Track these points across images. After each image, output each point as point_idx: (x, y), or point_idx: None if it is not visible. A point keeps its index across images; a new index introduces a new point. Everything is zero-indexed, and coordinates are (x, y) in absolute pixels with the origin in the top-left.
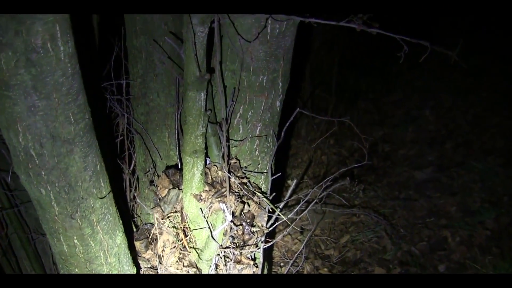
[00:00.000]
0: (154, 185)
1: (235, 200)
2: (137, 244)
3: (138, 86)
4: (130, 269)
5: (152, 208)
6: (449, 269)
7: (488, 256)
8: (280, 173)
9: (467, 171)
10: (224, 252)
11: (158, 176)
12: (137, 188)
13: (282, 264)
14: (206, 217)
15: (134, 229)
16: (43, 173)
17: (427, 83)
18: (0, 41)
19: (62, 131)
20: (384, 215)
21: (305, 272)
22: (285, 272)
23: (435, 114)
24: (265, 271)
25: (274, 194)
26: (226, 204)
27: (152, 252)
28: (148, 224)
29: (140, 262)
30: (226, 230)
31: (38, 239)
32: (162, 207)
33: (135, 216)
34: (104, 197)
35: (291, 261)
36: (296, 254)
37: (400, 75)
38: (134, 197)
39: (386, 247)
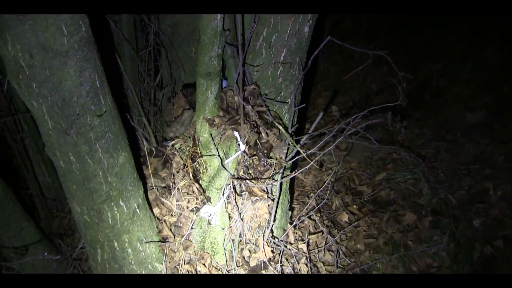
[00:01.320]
0: (171, 102)
1: (249, 129)
2: (155, 161)
3: None
4: (135, 189)
5: (168, 127)
6: (484, 224)
7: None
8: (304, 104)
9: None
10: (236, 182)
11: (176, 95)
12: (161, 102)
13: (312, 195)
14: (216, 144)
15: (155, 145)
16: (34, 85)
17: (495, 20)
18: None
19: (54, 42)
20: (426, 156)
21: (333, 207)
22: (310, 204)
23: (498, 53)
24: (285, 205)
25: (297, 125)
26: (239, 133)
27: (168, 171)
28: (169, 142)
29: (155, 179)
30: (240, 161)
31: None
32: (174, 128)
33: (159, 130)
34: (103, 114)
35: (318, 191)
36: (321, 187)
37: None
38: (160, 110)
39: (422, 191)
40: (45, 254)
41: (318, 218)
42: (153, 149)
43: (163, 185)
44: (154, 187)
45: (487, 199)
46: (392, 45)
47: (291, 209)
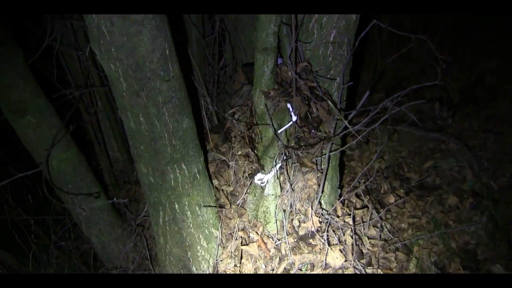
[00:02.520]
0: (232, 80)
1: (301, 101)
2: (215, 137)
3: None
4: (196, 155)
5: (228, 101)
6: None
7: None
8: (352, 82)
9: None
10: (288, 152)
11: (236, 72)
12: (224, 84)
13: (363, 180)
14: (271, 115)
15: (217, 122)
16: (112, 49)
17: None
18: None
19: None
20: (473, 146)
21: (381, 191)
22: (360, 186)
23: None
24: (335, 182)
25: (345, 101)
26: (292, 104)
27: (227, 146)
28: (229, 119)
29: (216, 154)
30: (292, 132)
31: None
32: (234, 100)
33: (220, 111)
34: (170, 80)
35: (371, 178)
36: (372, 174)
37: None
38: (221, 92)
39: (466, 177)
40: (114, 198)
41: (367, 199)
42: (215, 126)
43: (223, 158)
44: (214, 160)
45: None
46: (450, 44)
47: (341, 187)
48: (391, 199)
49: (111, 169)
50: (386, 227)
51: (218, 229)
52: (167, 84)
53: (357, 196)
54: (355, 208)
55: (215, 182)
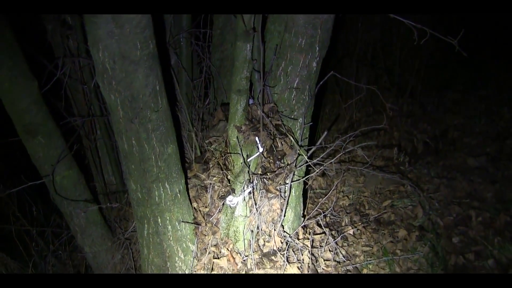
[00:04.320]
0: (212, 116)
1: (267, 135)
2: (197, 166)
3: (217, 36)
4: (178, 177)
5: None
6: (461, 241)
7: (498, 237)
8: (312, 122)
9: None
10: (256, 178)
11: (215, 110)
12: (208, 120)
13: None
14: (241, 146)
15: (199, 154)
16: (113, 82)
17: None
18: None
19: (130, 53)
20: (427, 189)
21: (342, 224)
22: (322, 217)
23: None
24: (298, 211)
25: (307, 138)
26: (259, 138)
27: (207, 175)
28: (207, 152)
29: (196, 180)
30: (259, 162)
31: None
32: (212, 133)
33: (204, 145)
34: (158, 111)
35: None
36: (334, 209)
37: (494, 74)
38: (206, 127)
39: (417, 215)
40: (108, 204)
41: (326, 228)
42: (198, 157)
43: (202, 185)
44: (195, 186)
45: (469, 223)
46: (420, 102)
47: (304, 216)
48: (350, 230)
49: (105, 190)
50: (342, 253)
51: (194, 244)
52: (156, 114)
53: (318, 224)
54: (314, 234)
55: (195, 204)
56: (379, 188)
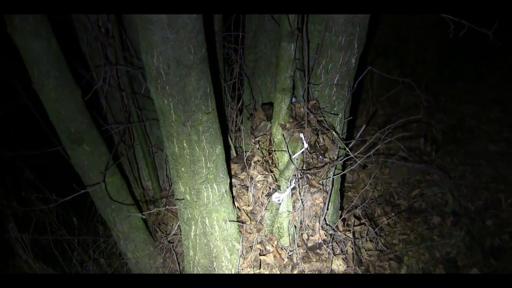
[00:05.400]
0: (252, 116)
1: (311, 131)
2: (235, 166)
3: (250, 38)
4: (225, 177)
5: (249, 135)
6: (495, 224)
7: None
8: (351, 117)
9: None
10: (300, 174)
11: (256, 110)
12: (242, 122)
13: (356, 208)
14: (287, 143)
15: (235, 155)
16: (167, 87)
17: None
18: None
19: (184, 58)
20: (453, 176)
21: (375, 215)
22: (357, 209)
23: None
24: (336, 204)
25: (346, 133)
26: (304, 134)
27: (246, 174)
28: (246, 152)
29: (235, 180)
30: (303, 157)
31: (156, 153)
32: (254, 133)
33: (238, 146)
34: (209, 113)
35: (363, 204)
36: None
37: (503, 62)
38: (239, 129)
39: (448, 202)
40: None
41: (364, 219)
42: (234, 158)
43: (242, 184)
44: (235, 185)
45: (499, 206)
46: (433, 93)
47: (341, 209)
48: (384, 220)
49: (143, 196)
50: (381, 242)
51: (239, 242)
52: (206, 116)
53: (355, 216)
54: (354, 225)
55: (236, 203)
56: (406, 179)
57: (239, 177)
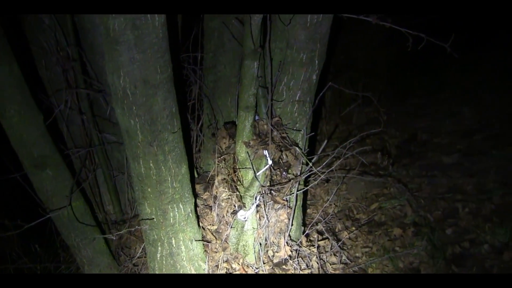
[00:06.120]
0: (215, 136)
1: (275, 148)
2: (198, 186)
3: (209, 59)
4: (190, 197)
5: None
6: (454, 232)
7: (488, 224)
8: (313, 133)
9: (487, 158)
10: (264, 191)
11: (218, 129)
12: (202, 143)
13: (318, 223)
14: (251, 160)
15: (196, 176)
16: (134, 107)
17: (474, 84)
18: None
19: (151, 78)
20: (410, 188)
21: (336, 230)
22: (321, 226)
23: (473, 111)
24: (299, 220)
25: (308, 149)
26: (268, 151)
27: (209, 193)
28: (208, 172)
29: (198, 200)
30: (267, 174)
31: (117, 177)
32: (218, 152)
33: (198, 167)
34: (175, 132)
35: (324, 220)
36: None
37: (451, 77)
38: (199, 150)
39: (407, 213)
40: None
41: (326, 234)
42: (196, 178)
43: (205, 204)
44: (198, 206)
45: (457, 215)
46: (386, 109)
47: (304, 224)
48: (346, 234)
49: (105, 220)
50: (344, 255)
51: (205, 262)
52: (172, 135)
53: (318, 232)
54: (318, 240)
55: (200, 223)
56: (364, 193)
57: (202, 197)
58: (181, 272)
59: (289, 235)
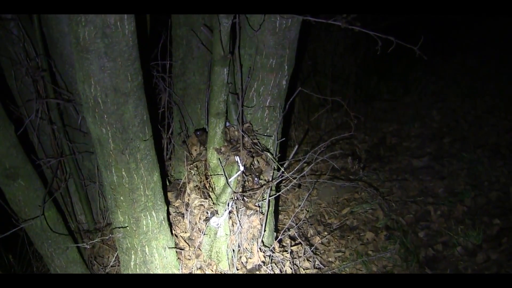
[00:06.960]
0: (185, 143)
1: (246, 154)
2: (169, 194)
3: (178, 67)
4: (162, 204)
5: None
6: (427, 235)
7: (460, 226)
8: (284, 138)
9: (457, 161)
10: (237, 197)
11: (189, 137)
12: (172, 150)
13: (290, 229)
14: (223, 166)
15: (168, 184)
16: (105, 116)
17: (440, 88)
18: (86, 19)
19: (121, 86)
20: (381, 192)
21: (308, 235)
22: (293, 231)
23: (440, 114)
24: (271, 226)
25: (279, 155)
26: (239, 157)
27: (181, 201)
28: (179, 180)
29: (170, 208)
30: (239, 180)
31: (89, 186)
32: (189, 159)
33: (169, 175)
34: (147, 140)
35: (296, 225)
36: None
37: (417, 80)
38: (170, 158)
39: (378, 217)
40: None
41: (299, 239)
42: (167, 186)
43: (177, 211)
44: (170, 213)
45: (429, 218)
46: (353, 113)
47: (277, 230)
48: (318, 240)
49: (77, 230)
50: (317, 260)
51: (179, 269)
52: (144, 143)
53: (290, 237)
54: (290, 246)
55: (173, 231)
56: (335, 198)
57: (174, 205)
58: None
59: (262, 241)
